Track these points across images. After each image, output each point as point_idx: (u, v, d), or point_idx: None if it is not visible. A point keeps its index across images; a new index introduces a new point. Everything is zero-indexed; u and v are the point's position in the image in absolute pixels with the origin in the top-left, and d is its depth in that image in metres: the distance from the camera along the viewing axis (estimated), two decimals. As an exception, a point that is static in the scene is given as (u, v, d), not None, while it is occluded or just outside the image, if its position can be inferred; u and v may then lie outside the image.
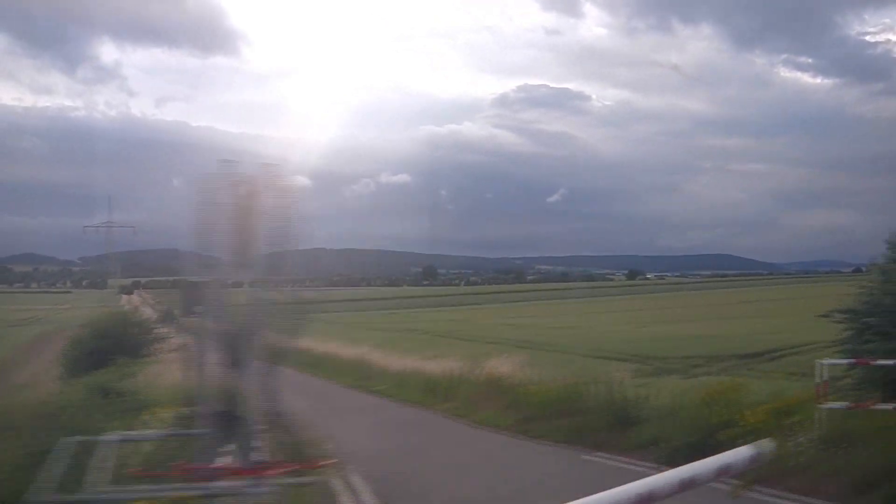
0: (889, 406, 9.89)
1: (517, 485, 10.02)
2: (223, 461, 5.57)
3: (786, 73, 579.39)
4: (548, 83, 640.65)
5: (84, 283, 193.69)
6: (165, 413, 9.30)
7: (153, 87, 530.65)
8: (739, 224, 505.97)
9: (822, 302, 17.70)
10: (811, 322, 20.10)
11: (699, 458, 2.36)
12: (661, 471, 2.27)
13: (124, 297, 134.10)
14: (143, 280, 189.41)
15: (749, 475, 3.06)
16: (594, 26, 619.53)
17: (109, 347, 20.49)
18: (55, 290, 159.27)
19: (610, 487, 2.03)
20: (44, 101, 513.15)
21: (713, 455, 2.45)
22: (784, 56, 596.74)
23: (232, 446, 5.73)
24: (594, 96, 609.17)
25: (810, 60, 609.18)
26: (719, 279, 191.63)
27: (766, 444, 2.62)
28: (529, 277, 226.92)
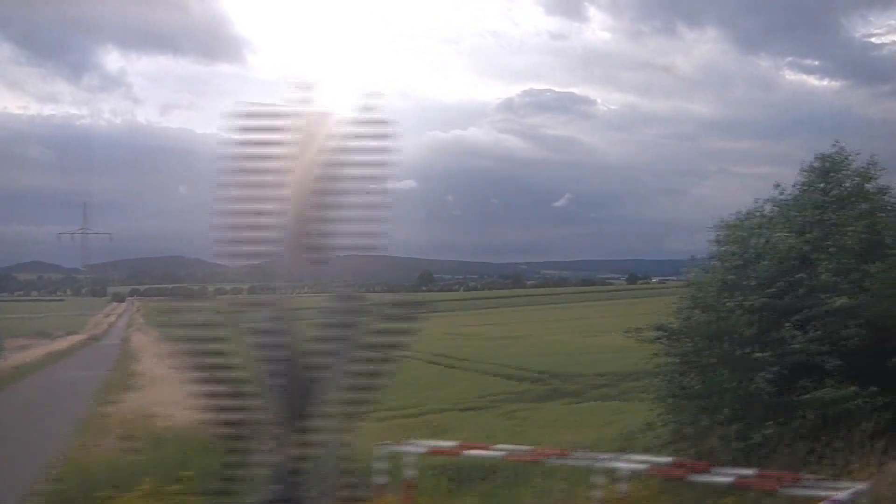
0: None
1: None
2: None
3: (791, 76, 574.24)
4: (553, 88, 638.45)
5: (84, 290, 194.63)
6: None
7: (158, 94, 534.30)
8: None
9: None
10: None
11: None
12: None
13: (114, 304, 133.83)
14: (142, 287, 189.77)
15: None
16: (599, 30, 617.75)
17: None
18: (47, 298, 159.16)
19: None
20: (49, 110, 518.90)
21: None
22: (789, 58, 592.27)
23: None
24: (599, 100, 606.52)
25: (816, 62, 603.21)
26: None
27: None
28: (530, 282, 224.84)
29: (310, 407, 3.75)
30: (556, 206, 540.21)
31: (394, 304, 4.38)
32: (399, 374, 4.44)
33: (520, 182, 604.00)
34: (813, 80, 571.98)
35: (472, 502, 8.70)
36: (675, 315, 10.32)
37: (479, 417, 17.13)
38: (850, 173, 11.10)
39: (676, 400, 9.88)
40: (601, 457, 7.88)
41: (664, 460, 8.17)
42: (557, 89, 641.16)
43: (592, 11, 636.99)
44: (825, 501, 6.15)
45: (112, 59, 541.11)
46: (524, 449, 9.18)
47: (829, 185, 11.04)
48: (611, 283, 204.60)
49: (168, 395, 15.24)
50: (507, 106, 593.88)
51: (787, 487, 6.92)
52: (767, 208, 11.12)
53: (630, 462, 7.66)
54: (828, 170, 11.14)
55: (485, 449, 9.10)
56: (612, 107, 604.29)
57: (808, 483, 6.83)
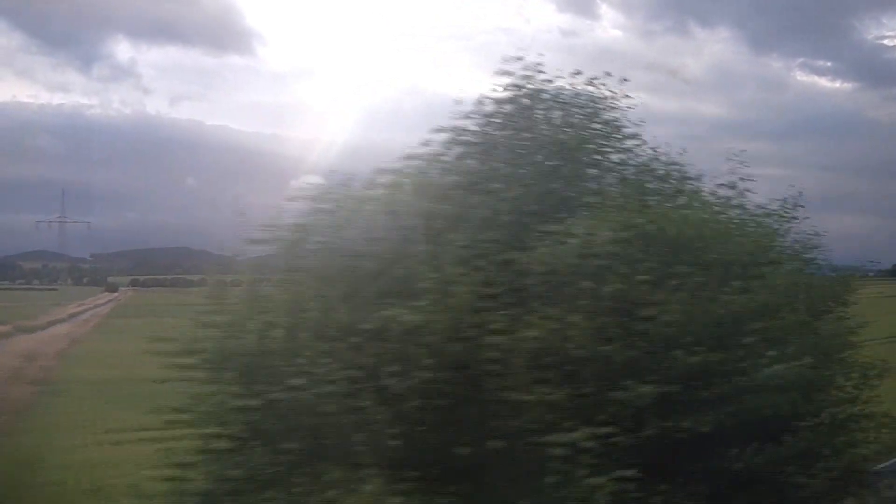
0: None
1: None
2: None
3: (803, 77, 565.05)
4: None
5: (85, 280, 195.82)
6: None
7: (168, 85, 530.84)
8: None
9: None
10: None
11: None
12: None
13: (104, 294, 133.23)
14: (142, 278, 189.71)
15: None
16: (610, 28, 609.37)
17: None
18: (43, 287, 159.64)
19: None
20: (59, 99, 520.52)
21: None
22: (801, 60, 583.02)
23: None
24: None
25: (828, 64, 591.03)
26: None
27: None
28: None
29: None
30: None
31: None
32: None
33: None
34: (824, 82, 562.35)
35: None
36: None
37: None
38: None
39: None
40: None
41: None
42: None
43: (604, 9, 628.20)
44: None
45: (122, 50, 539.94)
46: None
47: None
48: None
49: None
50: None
51: None
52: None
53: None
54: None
55: None
56: (622, 105, 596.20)
57: None
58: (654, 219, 6.66)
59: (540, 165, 7.31)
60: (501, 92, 7.42)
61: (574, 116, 7.59)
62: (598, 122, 7.59)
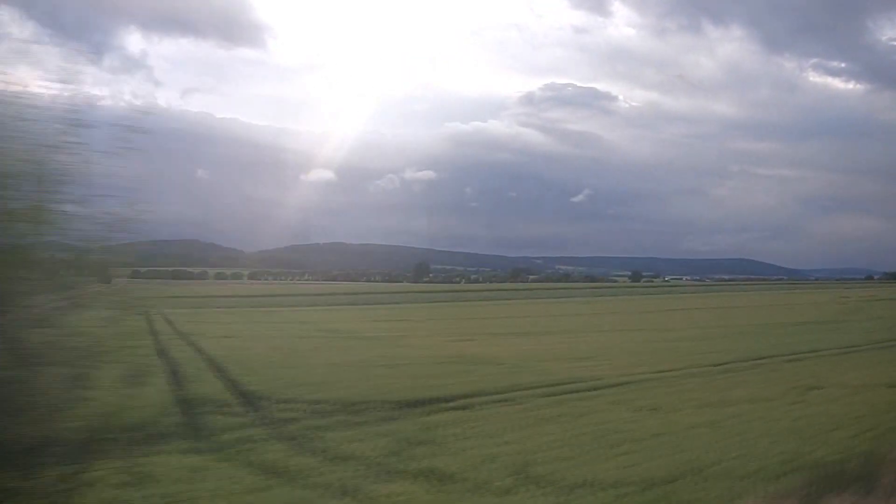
0: None
1: None
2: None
3: (816, 78, 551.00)
4: (575, 82, 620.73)
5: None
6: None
7: (179, 78, 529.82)
8: (766, 229, 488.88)
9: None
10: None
11: None
12: None
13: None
14: (142, 270, 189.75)
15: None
16: (623, 26, 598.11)
17: None
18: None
19: None
20: (70, 90, 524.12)
21: None
22: (814, 60, 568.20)
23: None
24: (621, 97, 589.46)
25: (842, 65, 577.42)
26: (725, 283, 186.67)
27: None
28: (532, 277, 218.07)
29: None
30: (574, 201, 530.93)
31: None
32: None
33: (538, 176, 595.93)
34: (837, 83, 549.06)
35: None
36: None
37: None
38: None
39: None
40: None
41: None
42: (579, 84, 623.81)
43: (617, 6, 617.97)
44: None
45: (134, 41, 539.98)
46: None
47: None
48: (614, 281, 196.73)
49: None
50: (528, 99, 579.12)
51: None
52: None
53: None
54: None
55: None
56: (634, 104, 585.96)
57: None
58: None
59: None
60: None
61: None
62: None
